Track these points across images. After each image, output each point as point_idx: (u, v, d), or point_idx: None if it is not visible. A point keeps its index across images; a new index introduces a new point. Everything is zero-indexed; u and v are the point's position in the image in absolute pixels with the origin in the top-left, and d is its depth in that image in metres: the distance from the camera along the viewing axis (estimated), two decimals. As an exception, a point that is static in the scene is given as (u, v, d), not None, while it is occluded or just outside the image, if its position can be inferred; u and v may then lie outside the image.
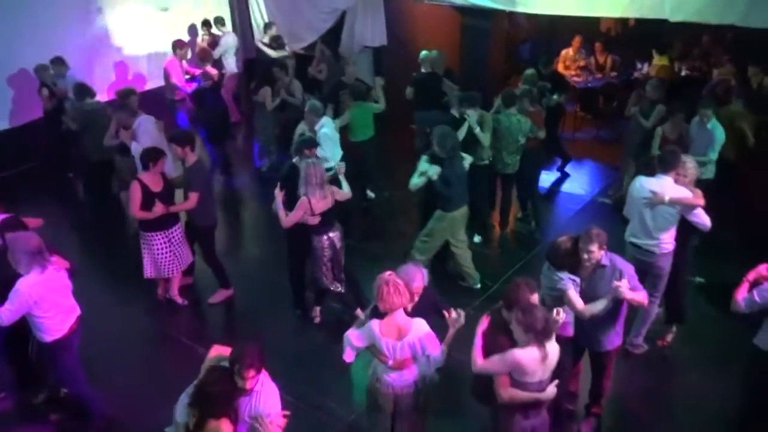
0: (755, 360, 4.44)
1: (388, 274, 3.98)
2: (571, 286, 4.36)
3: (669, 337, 5.93)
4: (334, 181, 6.01)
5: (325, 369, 5.64)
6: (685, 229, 5.34)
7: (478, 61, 10.28)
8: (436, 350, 3.98)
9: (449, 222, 6.34)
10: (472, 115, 6.89)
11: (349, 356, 4.18)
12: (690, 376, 5.59)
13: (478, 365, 3.87)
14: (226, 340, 5.88)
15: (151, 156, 5.99)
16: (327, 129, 7.15)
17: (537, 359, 3.68)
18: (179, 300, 6.60)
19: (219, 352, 3.81)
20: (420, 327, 4.00)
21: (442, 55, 8.91)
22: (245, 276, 7.06)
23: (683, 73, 10.79)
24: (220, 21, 11.01)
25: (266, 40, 10.73)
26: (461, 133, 6.78)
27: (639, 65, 11.10)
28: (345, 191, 5.97)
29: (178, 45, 9.16)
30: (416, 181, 6.25)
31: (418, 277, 4.21)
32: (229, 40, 10.85)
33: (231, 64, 10.80)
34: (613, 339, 4.66)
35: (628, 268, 4.50)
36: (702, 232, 5.37)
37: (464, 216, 6.49)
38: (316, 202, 5.58)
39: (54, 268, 4.55)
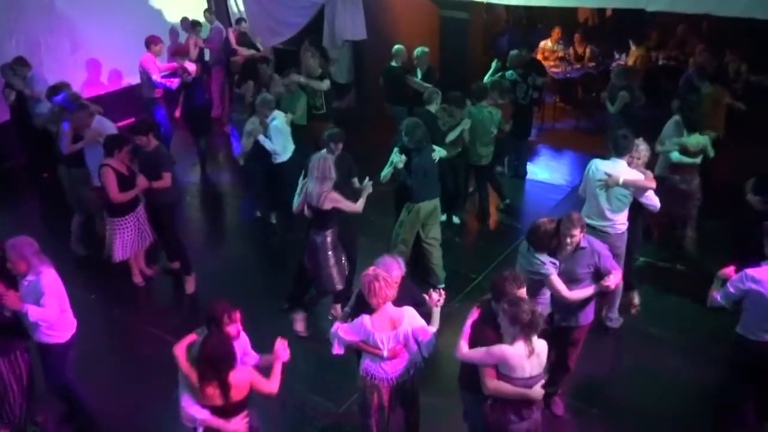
0: (739, 346, 4.50)
1: (372, 269, 4.06)
2: (553, 271, 4.50)
3: (636, 300, 6.23)
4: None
5: (311, 363, 5.65)
6: (636, 210, 5.65)
7: (457, 52, 10.29)
8: (427, 335, 4.11)
9: (416, 213, 6.36)
10: (466, 121, 7.23)
11: (337, 349, 4.27)
12: (670, 360, 5.67)
13: (462, 353, 3.90)
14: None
15: (117, 143, 6.12)
16: (277, 122, 7.22)
17: (523, 355, 3.70)
18: (149, 271, 6.93)
19: (187, 342, 3.95)
20: (412, 314, 4.13)
21: (404, 50, 8.99)
22: (225, 269, 7.05)
23: (660, 62, 10.90)
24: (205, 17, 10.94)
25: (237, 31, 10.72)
26: (453, 135, 7.08)
27: (617, 55, 11.19)
28: (353, 205, 5.74)
29: (152, 41, 9.04)
30: (385, 172, 6.40)
31: (395, 267, 4.25)
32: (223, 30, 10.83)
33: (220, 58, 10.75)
34: (588, 314, 4.80)
35: (604, 249, 4.70)
36: (650, 212, 5.70)
37: (434, 210, 6.47)
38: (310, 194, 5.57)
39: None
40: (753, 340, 4.36)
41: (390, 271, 4.20)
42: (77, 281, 6.70)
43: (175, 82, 8.97)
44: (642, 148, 5.61)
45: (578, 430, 5.05)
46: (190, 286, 6.76)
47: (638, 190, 5.47)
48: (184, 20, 10.62)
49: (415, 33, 10.18)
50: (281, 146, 7.21)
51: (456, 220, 7.90)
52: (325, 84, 8.18)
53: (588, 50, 11.20)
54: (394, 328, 4.06)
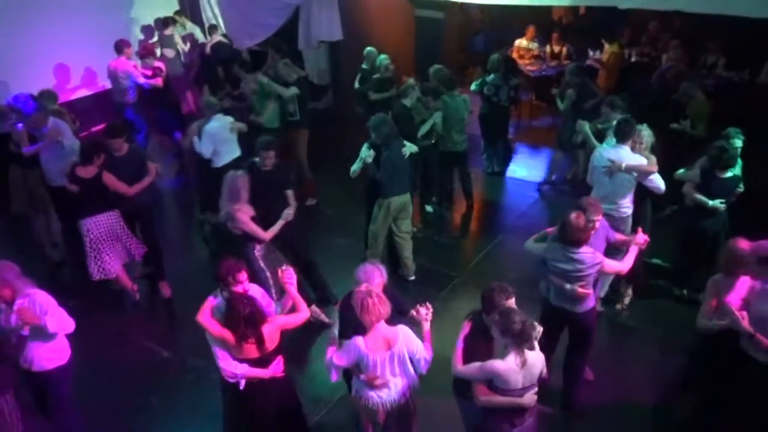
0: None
1: (365, 286, 3.94)
2: (603, 257, 4.63)
3: (626, 300, 6.27)
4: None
5: (290, 368, 5.59)
6: (641, 193, 5.78)
7: (432, 52, 10.32)
8: (423, 353, 3.98)
9: (386, 209, 6.38)
10: (437, 114, 7.41)
11: (335, 377, 4.13)
12: (649, 353, 5.72)
13: (457, 370, 3.88)
14: (188, 339, 5.94)
15: (96, 149, 6.02)
16: (210, 125, 7.07)
17: (515, 368, 3.68)
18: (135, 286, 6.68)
19: (208, 307, 4.14)
20: (406, 332, 3.96)
21: (375, 53, 8.97)
22: (200, 273, 6.98)
23: (633, 59, 11.03)
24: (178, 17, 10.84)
25: (212, 42, 10.65)
26: (425, 128, 7.17)
27: (591, 53, 11.30)
28: (261, 232, 5.51)
29: (125, 45, 8.93)
30: (354, 167, 6.41)
31: (377, 274, 4.20)
32: (196, 32, 10.80)
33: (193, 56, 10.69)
34: (593, 299, 4.81)
35: (604, 223, 4.95)
36: (656, 195, 5.78)
37: (405, 204, 6.50)
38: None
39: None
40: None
41: (371, 279, 4.15)
42: (50, 290, 6.64)
43: (159, 81, 8.91)
44: (644, 134, 5.78)
45: (561, 422, 5.05)
46: (165, 290, 6.68)
47: (641, 174, 5.59)
48: (157, 20, 10.53)
49: (390, 33, 10.20)
50: (208, 150, 7.04)
51: (429, 209, 7.92)
52: (291, 91, 7.94)
53: (564, 49, 11.30)
54: (388, 348, 3.89)
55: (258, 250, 5.57)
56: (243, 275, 4.15)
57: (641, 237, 4.80)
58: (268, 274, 5.55)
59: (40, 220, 7.21)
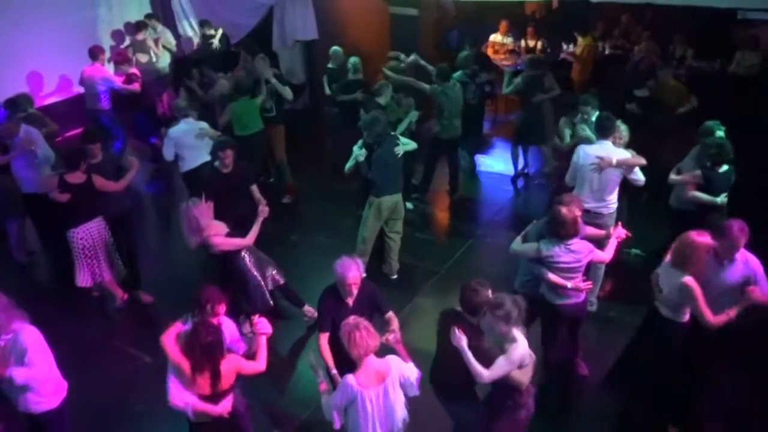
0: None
1: (353, 318, 3.73)
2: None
3: (607, 287, 6.37)
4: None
5: (277, 367, 5.59)
6: (622, 186, 5.83)
7: (407, 49, 10.31)
8: (411, 375, 3.80)
9: (377, 208, 6.36)
10: (414, 113, 7.49)
11: (338, 424, 3.79)
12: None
13: (486, 378, 3.74)
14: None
15: (81, 154, 5.95)
16: (173, 128, 7.05)
17: (526, 343, 3.75)
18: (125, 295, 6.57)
19: (174, 331, 4.00)
20: (395, 360, 3.80)
21: (341, 53, 8.98)
22: (181, 276, 6.93)
23: (607, 51, 11.14)
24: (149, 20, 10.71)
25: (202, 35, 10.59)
26: (401, 127, 7.13)
27: (565, 46, 11.39)
28: (242, 240, 5.42)
29: (99, 51, 8.80)
30: (348, 165, 6.43)
31: (353, 267, 4.20)
32: (168, 35, 10.69)
33: (167, 59, 10.58)
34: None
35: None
36: (635, 187, 5.86)
37: (396, 205, 6.48)
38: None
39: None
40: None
41: (347, 271, 4.16)
42: (28, 297, 6.56)
43: (137, 86, 8.84)
44: (622, 128, 5.85)
45: (552, 413, 5.09)
46: (146, 297, 6.58)
47: (628, 167, 5.65)
48: (128, 24, 10.42)
49: (365, 31, 10.19)
50: (169, 153, 7.01)
51: (409, 206, 7.92)
52: (288, 92, 8.04)
53: (539, 43, 11.37)
54: (381, 381, 3.67)
55: (249, 260, 5.55)
56: (222, 308, 4.07)
57: (621, 231, 4.85)
58: (259, 279, 5.57)
59: (15, 225, 7.11)
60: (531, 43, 11.36)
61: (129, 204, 6.52)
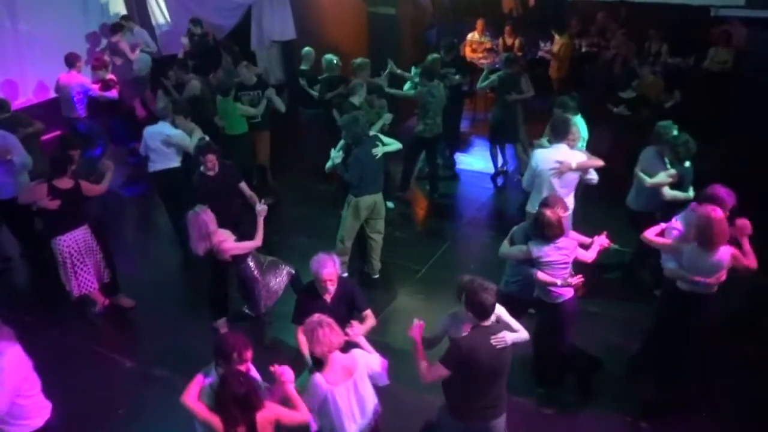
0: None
1: (317, 316, 3.71)
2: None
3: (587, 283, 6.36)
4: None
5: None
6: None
7: (386, 48, 10.34)
8: (379, 366, 3.82)
9: (355, 208, 6.38)
10: (387, 116, 7.53)
11: (314, 427, 3.77)
12: (612, 336, 5.86)
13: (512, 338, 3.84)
14: (151, 348, 5.86)
15: (68, 160, 5.92)
16: (148, 128, 7.07)
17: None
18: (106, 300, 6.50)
19: (196, 387, 3.62)
20: (361, 353, 3.83)
21: (313, 53, 8.99)
22: (159, 281, 6.93)
23: (583, 49, 11.25)
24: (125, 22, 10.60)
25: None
26: (375, 127, 7.11)
27: (542, 44, 11.48)
28: (251, 242, 5.47)
29: (75, 59, 8.65)
30: (328, 165, 6.51)
31: (329, 263, 4.22)
32: (145, 36, 10.58)
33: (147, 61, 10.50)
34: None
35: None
36: (587, 187, 5.98)
37: (375, 204, 6.48)
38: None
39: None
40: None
41: (322, 267, 4.19)
42: (5, 303, 6.51)
43: (114, 93, 8.78)
44: (574, 129, 5.88)
45: (529, 409, 5.14)
46: (125, 302, 6.52)
47: (586, 169, 5.73)
48: (104, 25, 10.31)
49: (344, 30, 10.18)
50: (143, 150, 7.09)
51: (390, 205, 7.95)
52: (260, 109, 7.99)
53: (517, 41, 11.45)
54: (350, 376, 3.69)
55: (253, 267, 5.59)
56: (250, 353, 3.61)
57: (605, 239, 4.90)
58: (263, 283, 5.64)
59: None
60: (509, 42, 11.43)
61: (99, 212, 6.57)
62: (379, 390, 4.33)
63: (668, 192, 5.72)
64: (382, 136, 6.49)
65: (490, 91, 8.61)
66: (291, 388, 3.60)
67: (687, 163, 5.73)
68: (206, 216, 5.24)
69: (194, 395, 3.55)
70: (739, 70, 9.52)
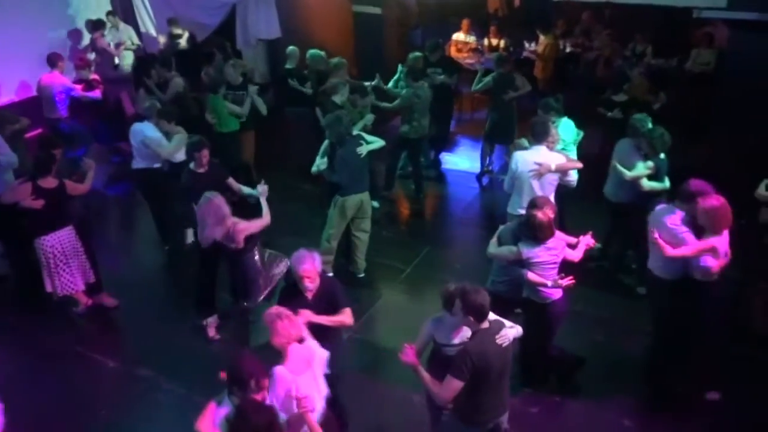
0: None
1: (275, 308, 3.76)
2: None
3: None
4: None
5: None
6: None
7: (372, 48, 10.37)
8: (325, 353, 3.86)
9: (341, 207, 6.37)
10: (369, 116, 7.50)
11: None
12: (593, 334, 5.87)
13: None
14: (134, 349, 5.81)
15: (52, 159, 5.87)
16: (135, 124, 7.03)
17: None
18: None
19: (210, 417, 3.44)
20: (314, 342, 3.87)
21: (297, 52, 8.95)
22: (142, 280, 6.88)
23: (568, 50, 11.31)
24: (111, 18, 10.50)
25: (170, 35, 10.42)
26: (357, 127, 7.09)
27: (527, 45, 11.53)
28: (261, 221, 5.52)
29: (58, 58, 8.53)
30: (313, 170, 6.54)
31: (308, 260, 4.15)
32: (131, 33, 10.48)
33: (129, 58, 10.41)
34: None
35: None
36: (566, 189, 6.00)
37: (362, 204, 6.46)
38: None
39: None
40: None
41: (298, 263, 4.14)
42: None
43: (98, 93, 8.68)
44: (553, 132, 5.89)
45: (516, 408, 5.12)
46: (108, 300, 6.46)
47: (565, 171, 5.77)
48: (88, 22, 10.21)
49: (329, 29, 10.17)
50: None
51: (375, 204, 7.95)
52: (245, 109, 7.95)
53: (502, 41, 11.48)
54: (309, 366, 3.72)
55: (258, 258, 5.60)
56: (267, 381, 3.48)
57: (590, 239, 4.93)
58: (263, 277, 5.63)
59: None
60: (494, 42, 11.46)
61: (82, 211, 6.49)
62: (365, 389, 4.36)
63: (646, 183, 5.82)
64: (365, 135, 6.48)
65: (483, 92, 8.58)
66: (313, 418, 3.51)
67: (662, 155, 5.82)
68: (219, 200, 5.24)
69: (209, 427, 3.37)
70: (721, 71, 9.62)
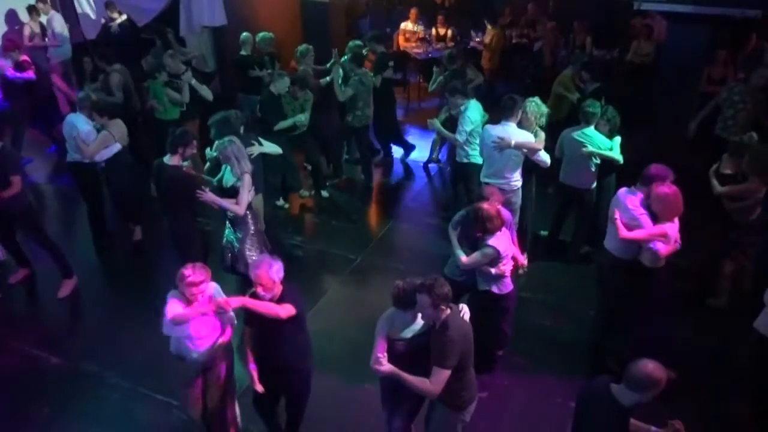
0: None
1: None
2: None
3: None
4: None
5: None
6: (527, 168, 6.10)
7: (320, 36, 10.29)
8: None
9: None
10: (301, 117, 7.36)
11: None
12: (543, 319, 6.00)
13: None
14: (79, 343, 5.66)
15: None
16: (69, 116, 6.75)
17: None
18: None
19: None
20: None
21: (251, 38, 8.80)
22: (85, 273, 6.65)
23: (514, 40, 11.47)
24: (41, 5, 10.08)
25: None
26: (286, 124, 7.18)
27: (474, 35, 11.64)
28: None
29: None
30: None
31: (263, 266, 3.95)
32: (61, 20, 10.07)
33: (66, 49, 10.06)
34: None
35: (508, 215, 5.00)
36: (542, 169, 6.10)
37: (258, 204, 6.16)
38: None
39: None
40: None
41: (255, 268, 3.98)
42: None
43: (31, 74, 8.38)
44: (528, 110, 6.02)
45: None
46: (65, 289, 6.30)
47: (529, 150, 5.89)
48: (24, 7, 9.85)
49: (277, 17, 10.04)
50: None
51: (324, 194, 7.99)
52: (185, 96, 7.77)
53: (449, 31, 11.55)
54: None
55: (253, 230, 5.57)
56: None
57: (522, 258, 5.12)
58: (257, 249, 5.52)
59: None
60: (441, 31, 11.53)
61: (25, 202, 6.11)
62: (316, 383, 4.36)
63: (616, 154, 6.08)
64: (261, 139, 6.25)
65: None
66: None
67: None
68: (236, 145, 5.41)
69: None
70: (660, 62, 9.92)
